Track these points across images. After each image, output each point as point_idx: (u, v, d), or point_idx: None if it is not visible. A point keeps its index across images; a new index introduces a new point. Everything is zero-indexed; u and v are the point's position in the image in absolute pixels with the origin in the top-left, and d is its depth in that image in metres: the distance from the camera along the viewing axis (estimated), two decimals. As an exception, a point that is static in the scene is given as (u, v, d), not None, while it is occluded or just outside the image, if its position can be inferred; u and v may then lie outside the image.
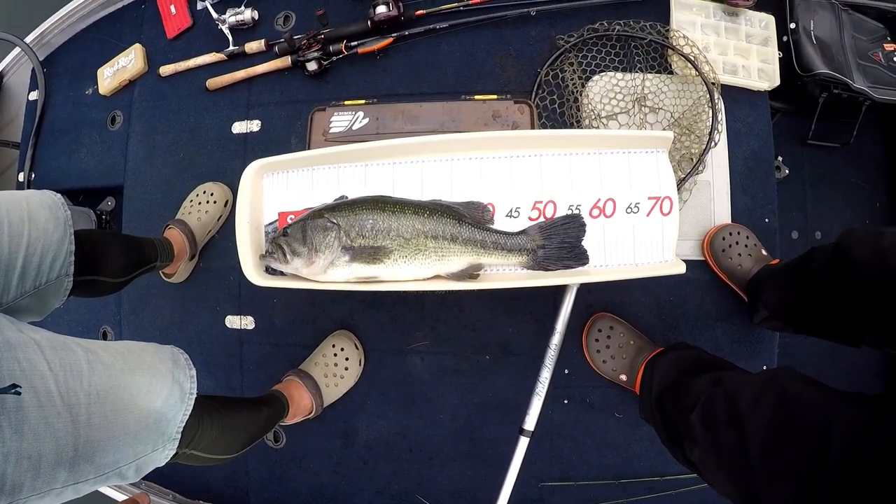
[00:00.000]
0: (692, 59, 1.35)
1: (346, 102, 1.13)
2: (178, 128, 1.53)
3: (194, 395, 0.81)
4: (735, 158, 1.43)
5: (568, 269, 0.97)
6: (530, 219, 0.98)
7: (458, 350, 1.28)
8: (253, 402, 1.11)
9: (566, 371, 1.28)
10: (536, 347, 1.24)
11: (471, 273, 0.93)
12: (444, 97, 1.12)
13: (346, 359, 1.26)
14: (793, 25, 1.51)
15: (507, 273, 0.97)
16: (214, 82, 1.47)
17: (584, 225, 0.97)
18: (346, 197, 0.99)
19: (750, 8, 1.50)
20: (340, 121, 1.12)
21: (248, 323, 1.39)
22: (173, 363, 0.83)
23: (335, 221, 0.93)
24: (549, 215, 0.97)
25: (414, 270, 0.93)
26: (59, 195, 0.94)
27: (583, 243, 0.97)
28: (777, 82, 1.45)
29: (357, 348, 1.28)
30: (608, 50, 1.36)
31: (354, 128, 1.11)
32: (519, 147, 0.97)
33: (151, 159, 1.56)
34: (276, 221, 1.05)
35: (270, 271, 1.05)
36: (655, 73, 1.38)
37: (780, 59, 1.47)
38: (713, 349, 1.36)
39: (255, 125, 1.42)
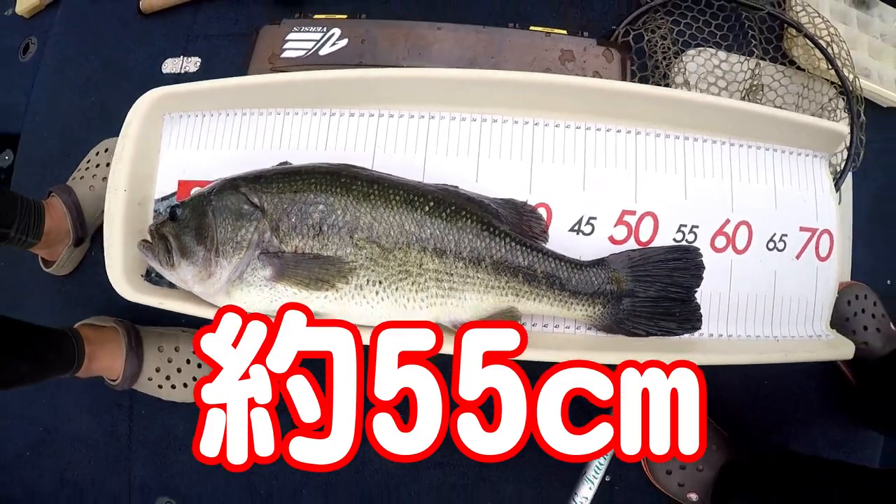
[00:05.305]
0: (824, 46, 0.96)
1: (318, 16, 0.71)
2: (95, 62, 1.16)
3: None
4: (859, 196, 1.06)
5: (666, 335, 0.55)
6: (613, 240, 0.56)
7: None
8: (12, 333, 0.75)
9: (607, 478, 0.87)
10: (572, 443, 0.83)
11: (499, 328, 0.50)
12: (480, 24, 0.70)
13: (199, 366, 0.87)
14: (919, 36, 1.16)
15: (559, 335, 0.55)
16: (150, 2, 1.08)
17: (702, 267, 0.56)
18: (291, 164, 0.56)
19: (885, -1, 1.14)
20: (301, 40, 0.68)
21: (144, 348, 0.97)
22: None
23: (257, 202, 0.50)
24: (644, 239, 0.56)
25: (392, 310, 0.52)
26: None
27: (696, 295, 0.55)
28: (917, 98, 1.07)
29: None
30: (707, 19, 0.97)
31: (323, 53, 0.67)
32: (606, 112, 0.56)
33: (56, 102, 1.19)
34: (173, 195, 0.65)
35: (154, 277, 0.63)
36: (770, 59, 0.99)
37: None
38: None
39: (192, 64, 1.03)
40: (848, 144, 0.94)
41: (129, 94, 1.09)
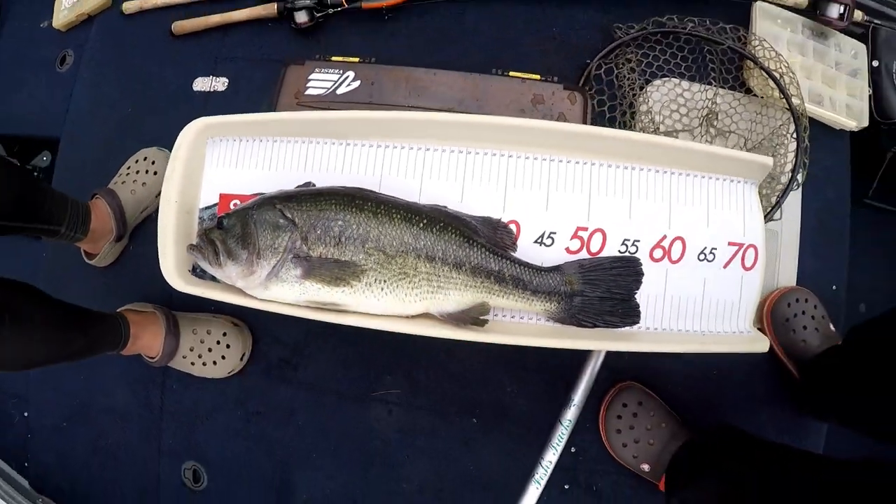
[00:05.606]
0: (777, 77, 1.08)
1: (334, 58, 0.85)
2: (131, 77, 1.26)
3: None
4: (808, 209, 1.17)
5: (610, 327, 0.68)
6: (568, 251, 0.70)
7: (437, 406, 1.00)
8: (75, 317, 0.87)
9: (572, 449, 1.00)
10: (541, 418, 0.97)
11: (475, 318, 0.65)
12: (468, 69, 0.84)
13: (228, 346, 1.01)
14: (875, 63, 1.27)
15: (524, 324, 0.69)
16: (182, 26, 1.19)
17: (641, 274, 0.69)
18: (313, 185, 0.70)
19: (842, 30, 1.24)
20: (322, 80, 0.83)
21: (176, 330, 1.09)
22: None
23: (290, 217, 0.64)
24: (594, 250, 0.69)
25: (393, 303, 0.65)
26: None
27: (636, 296, 0.69)
28: (865, 123, 1.19)
29: (244, 337, 1.04)
30: (674, 52, 1.09)
31: (339, 92, 0.82)
32: (566, 147, 0.69)
33: (95, 112, 1.28)
34: (215, 205, 0.78)
35: (199, 272, 0.76)
36: (729, 88, 1.11)
37: (870, 96, 1.23)
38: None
39: (220, 83, 1.14)
40: (793, 166, 1.07)
41: (162, 108, 1.22)
